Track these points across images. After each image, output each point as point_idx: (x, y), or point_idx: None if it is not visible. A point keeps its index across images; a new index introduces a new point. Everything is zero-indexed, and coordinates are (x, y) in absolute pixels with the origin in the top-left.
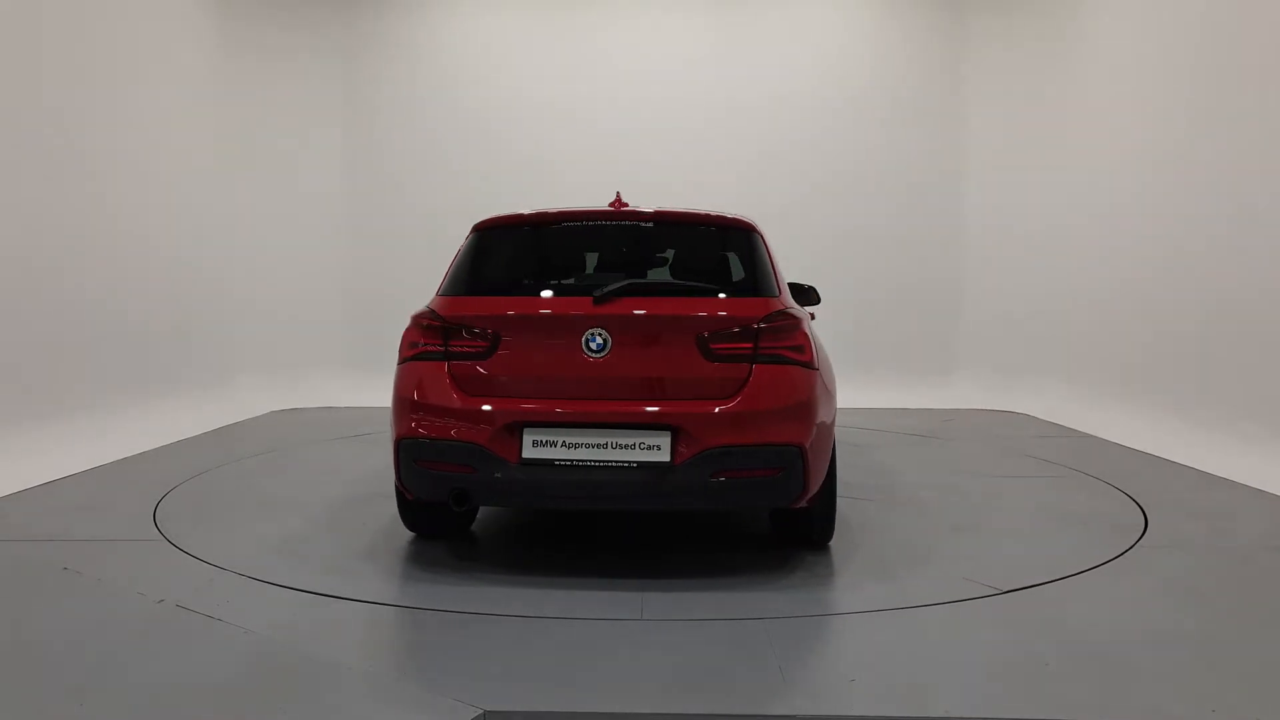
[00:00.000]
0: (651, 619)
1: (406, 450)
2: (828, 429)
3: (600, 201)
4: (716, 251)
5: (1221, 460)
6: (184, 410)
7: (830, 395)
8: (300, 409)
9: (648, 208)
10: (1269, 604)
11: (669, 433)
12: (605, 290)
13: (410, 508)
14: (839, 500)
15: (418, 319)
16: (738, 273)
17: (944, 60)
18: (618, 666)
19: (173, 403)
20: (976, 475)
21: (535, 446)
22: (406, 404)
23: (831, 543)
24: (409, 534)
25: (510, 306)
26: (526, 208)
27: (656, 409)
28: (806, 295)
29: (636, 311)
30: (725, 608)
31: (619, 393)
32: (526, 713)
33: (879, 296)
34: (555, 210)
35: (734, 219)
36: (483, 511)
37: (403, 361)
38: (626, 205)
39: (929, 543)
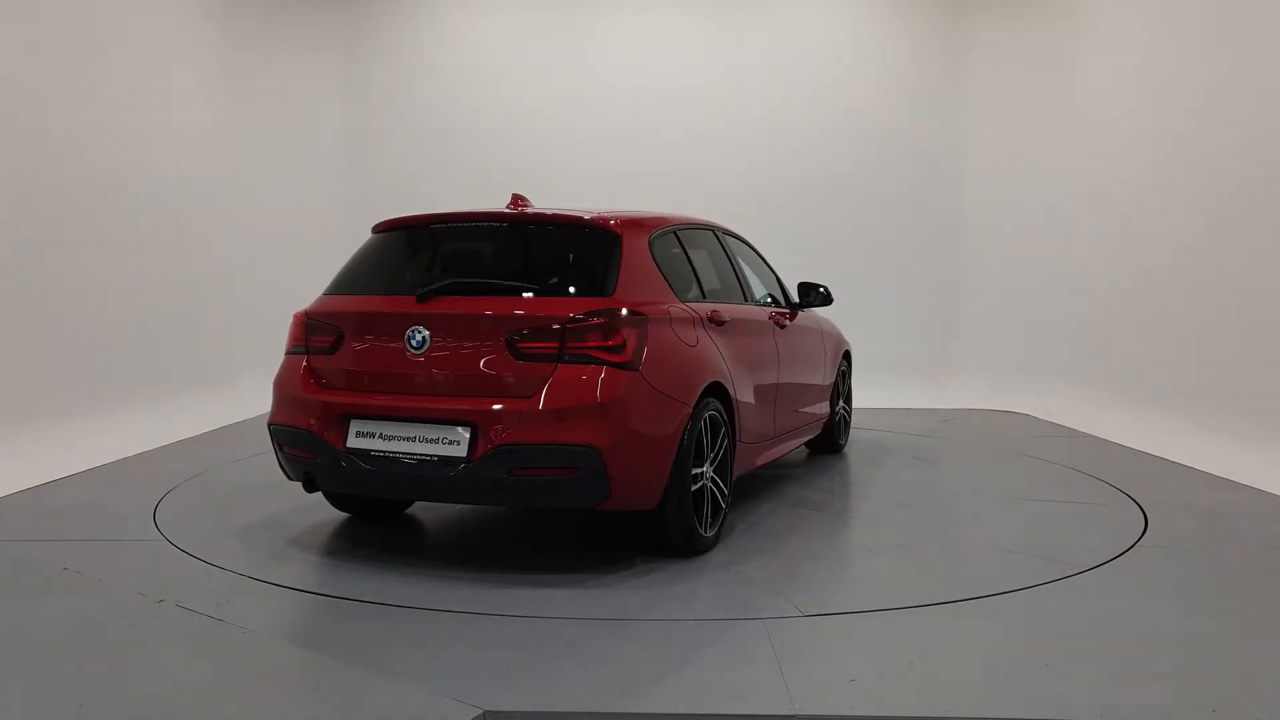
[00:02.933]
0: (653, 619)
1: (273, 436)
2: (651, 431)
3: (600, 202)
4: (573, 252)
5: (1221, 460)
6: (184, 410)
7: (667, 398)
8: None
9: (529, 209)
10: (1269, 604)
11: (469, 429)
12: (427, 289)
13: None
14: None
15: (295, 317)
16: (590, 273)
17: (944, 60)
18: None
19: (173, 403)
20: (976, 475)
21: (357, 437)
22: (275, 394)
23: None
24: (412, 534)
25: (353, 305)
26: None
27: (459, 405)
28: (815, 295)
29: (453, 311)
30: (726, 608)
31: (435, 388)
32: (526, 713)
33: (879, 296)
34: (430, 213)
35: (594, 221)
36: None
37: (285, 355)
38: (527, 207)
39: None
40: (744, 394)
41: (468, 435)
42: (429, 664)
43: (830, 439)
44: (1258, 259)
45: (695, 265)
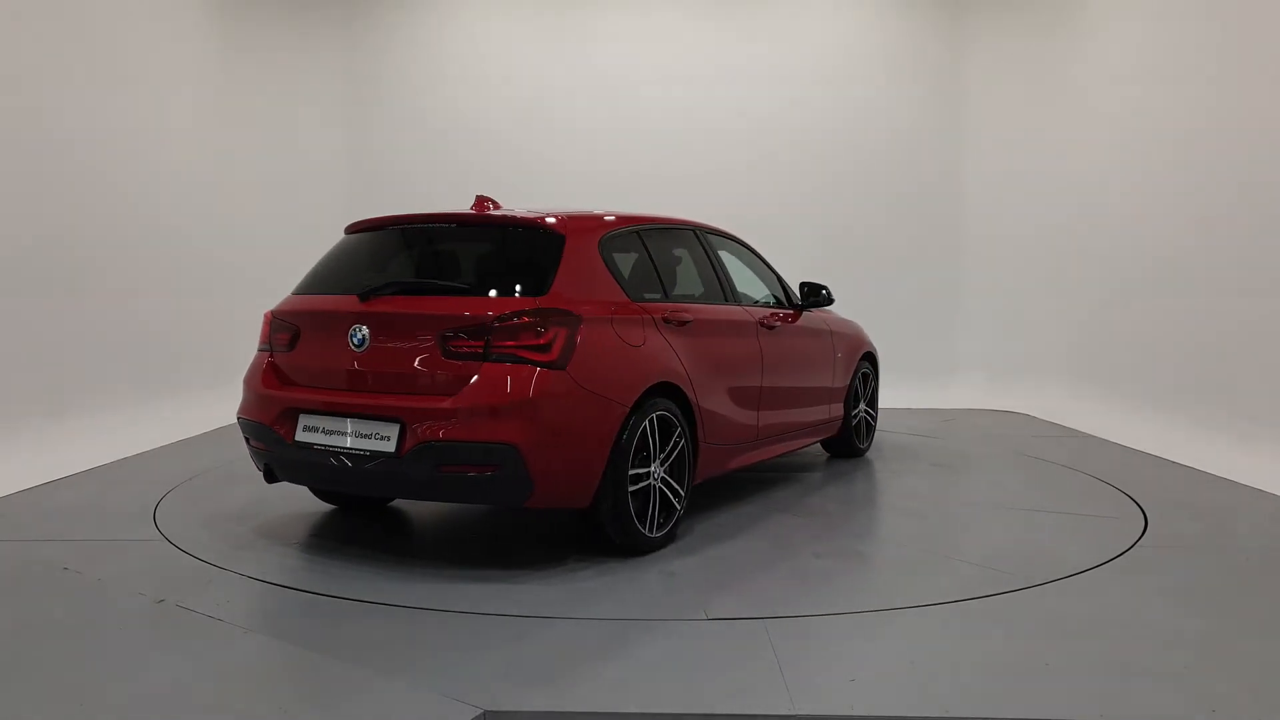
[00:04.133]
0: (656, 617)
1: (240, 428)
2: (579, 430)
3: (599, 202)
4: (516, 253)
5: (1221, 460)
6: (184, 410)
7: (599, 398)
8: None
9: (493, 210)
10: (1269, 604)
11: (398, 425)
12: (367, 289)
13: None
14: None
15: (265, 315)
16: (528, 273)
17: (944, 60)
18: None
19: (173, 403)
20: (976, 474)
21: (304, 431)
22: (243, 389)
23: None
24: (411, 533)
25: (309, 304)
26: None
27: (390, 402)
28: (815, 296)
29: (390, 310)
30: (730, 609)
31: (372, 385)
32: (526, 713)
33: (879, 296)
34: (391, 215)
35: (538, 222)
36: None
37: (256, 351)
38: (492, 209)
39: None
40: (710, 395)
41: (396, 432)
42: (429, 664)
43: (847, 442)
44: (1258, 258)
45: (660, 265)
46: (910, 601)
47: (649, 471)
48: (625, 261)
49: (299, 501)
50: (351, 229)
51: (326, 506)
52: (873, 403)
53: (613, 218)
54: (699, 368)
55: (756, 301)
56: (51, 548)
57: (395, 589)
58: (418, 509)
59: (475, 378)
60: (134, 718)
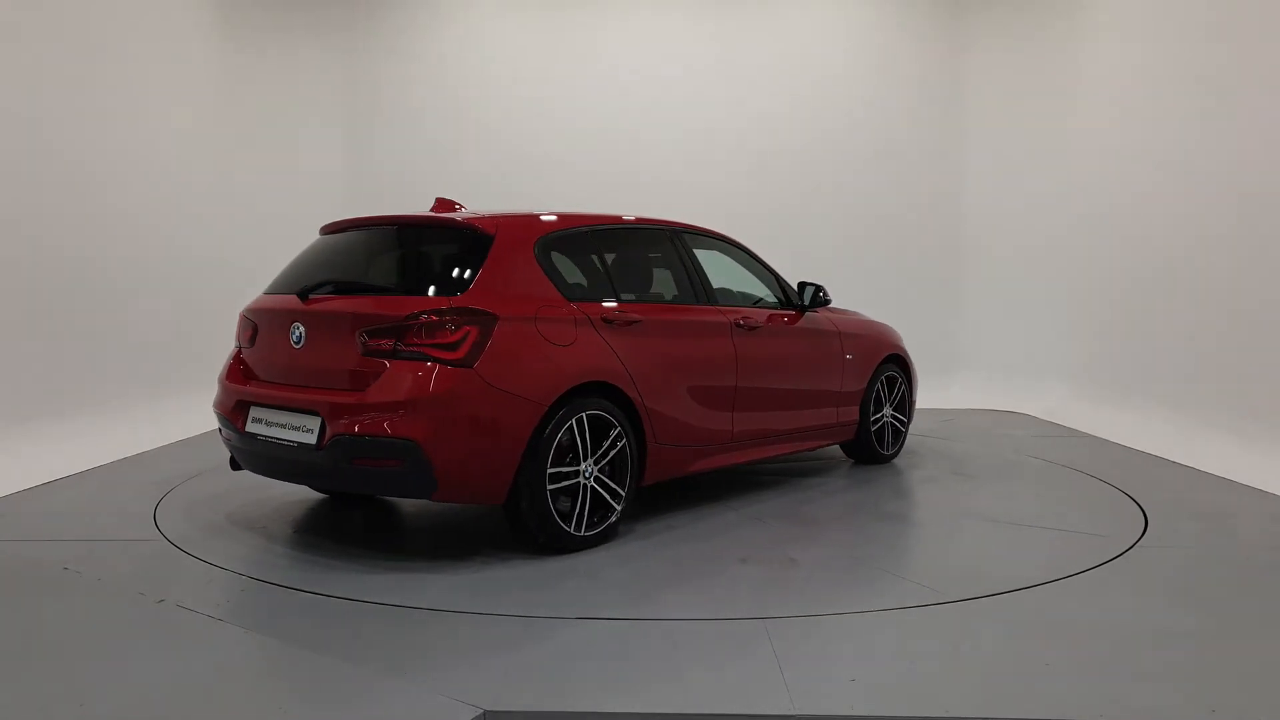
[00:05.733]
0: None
1: (217, 420)
2: (487, 427)
3: (596, 204)
4: (445, 253)
5: (1221, 460)
6: (184, 410)
7: (511, 397)
8: None
9: (448, 214)
10: (1269, 604)
11: (318, 419)
12: (305, 289)
13: None
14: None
15: (240, 314)
16: (451, 273)
17: (945, 59)
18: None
19: (173, 403)
20: (973, 477)
21: (252, 422)
22: (218, 383)
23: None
24: (411, 533)
25: (267, 303)
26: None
27: (313, 396)
28: (808, 295)
29: (322, 309)
30: (723, 608)
31: (304, 380)
32: (526, 713)
33: (879, 296)
34: (352, 218)
35: (468, 223)
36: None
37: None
38: (456, 211)
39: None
40: (663, 395)
41: (318, 425)
42: (430, 664)
43: (867, 447)
44: (1258, 258)
45: (613, 266)
46: (910, 602)
47: (578, 470)
48: (569, 262)
49: (299, 501)
50: (323, 230)
51: (327, 506)
52: (903, 407)
53: (555, 219)
54: (648, 368)
55: (758, 302)
56: (51, 548)
57: (395, 588)
58: (418, 507)
59: (383, 374)
60: (134, 718)
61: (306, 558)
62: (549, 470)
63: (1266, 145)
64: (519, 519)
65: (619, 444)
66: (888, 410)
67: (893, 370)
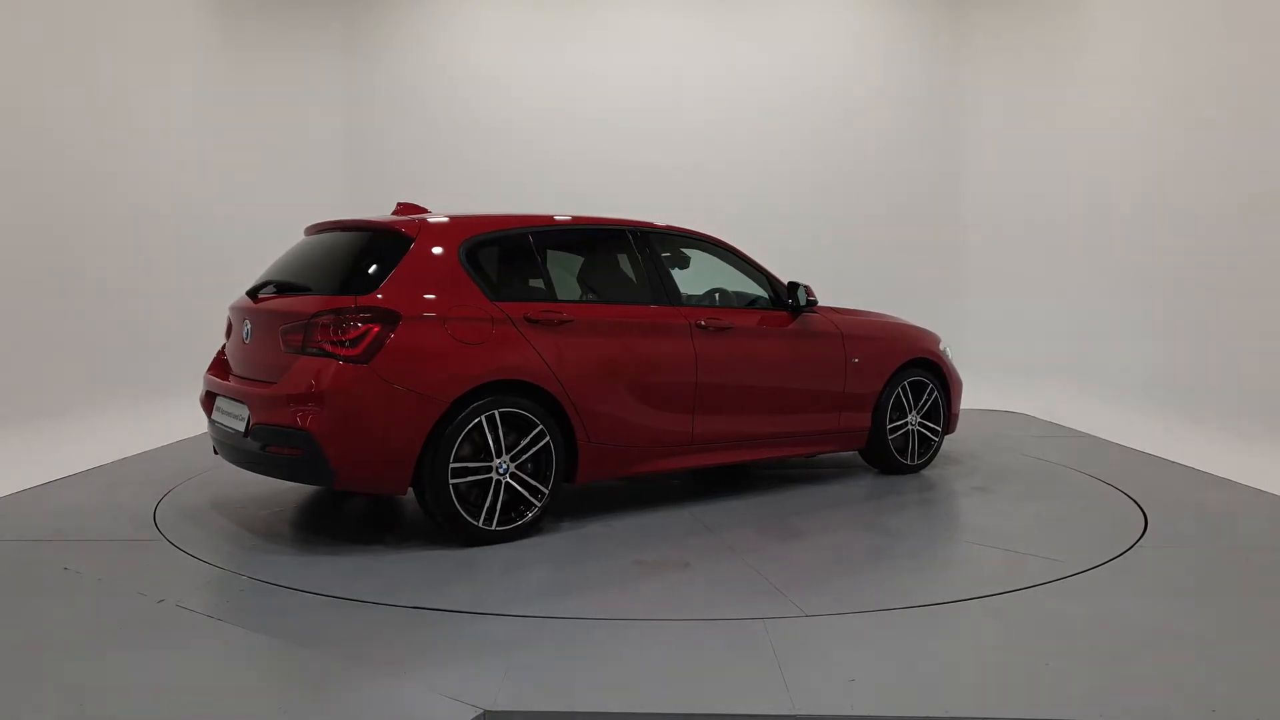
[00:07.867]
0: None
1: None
2: (383, 422)
3: (596, 204)
4: (368, 255)
5: (1221, 460)
6: (184, 410)
7: (409, 394)
8: None
9: (380, 218)
10: (1269, 604)
11: (246, 409)
12: (254, 288)
13: None
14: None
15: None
16: (367, 274)
17: (944, 59)
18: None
19: (172, 403)
20: (976, 474)
21: (215, 412)
22: None
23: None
24: (411, 532)
25: (236, 302)
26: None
27: (246, 388)
28: (792, 294)
29: (260, 308)
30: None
31: (247, 373)
32: (526, 713)
33: (878, 296)
34: (321, 222)
35: (389, 226)
36: None
37: None
38: (420, 215)
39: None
40: (599, 395)
41: (245, 414)
42: (430, 663)
43: (884, 456)
44: (1257, 259)
45: (549, 267)
46: (910, 601)
47: (491, 466)
48: (501, 264)
49: (299, 501)
50: (304, 232)
51: (327, 506)
52: (934, 415)
53: (484, 220)
54: (580, 367)
55: (752, 303)
56: (51, 548)
57: (395, 588)
58: (418, 508)
59: (291, 369)
60: (134, 718)
61: (306, 557)
62: (452, 465)
63: (1269, 143)
64: (425, 509)
65: (540, 441)
66: (913, 418)
67: (919, 375)
